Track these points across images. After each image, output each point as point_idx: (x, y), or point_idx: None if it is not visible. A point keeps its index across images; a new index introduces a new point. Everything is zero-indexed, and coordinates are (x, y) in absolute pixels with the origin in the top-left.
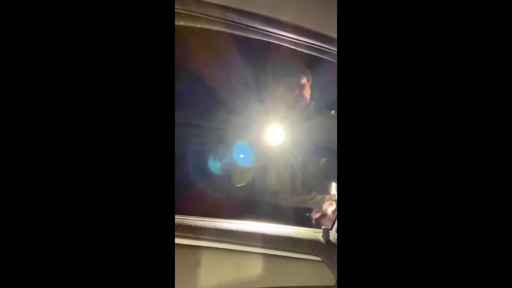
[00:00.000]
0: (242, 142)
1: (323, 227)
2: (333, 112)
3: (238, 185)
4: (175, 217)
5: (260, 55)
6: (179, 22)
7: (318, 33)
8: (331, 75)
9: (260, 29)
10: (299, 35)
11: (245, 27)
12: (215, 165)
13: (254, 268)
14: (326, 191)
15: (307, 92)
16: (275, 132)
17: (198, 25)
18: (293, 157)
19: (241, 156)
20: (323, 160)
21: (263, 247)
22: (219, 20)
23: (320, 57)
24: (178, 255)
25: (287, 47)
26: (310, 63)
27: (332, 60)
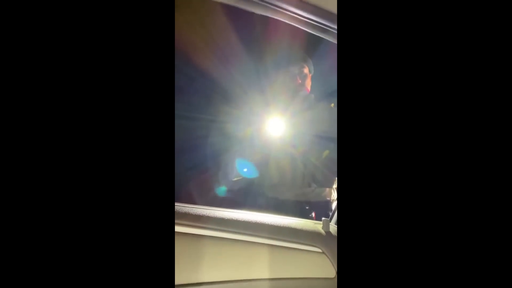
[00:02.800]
0: (241, 159)
1: (323, 218)
2: (332, 105)
3: (234, 179)
4: (176, 205)
5: (260, 43)
6: None
7: (320, 8)
8: (331, 66)
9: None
10: (301, 9)
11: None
12: (221, 191)
13: (254, 258)
14: (328, 183)
15: (308, 83)
16: (276, 123)
17: None
18: (294, 149)
19: (245, 170)
20: (326, 152)
21: (263, 237)
22: None
23: (319, 50)
24: (178, 243)
25: (287, 37)
26: (310, 53)
27: (333, 40)
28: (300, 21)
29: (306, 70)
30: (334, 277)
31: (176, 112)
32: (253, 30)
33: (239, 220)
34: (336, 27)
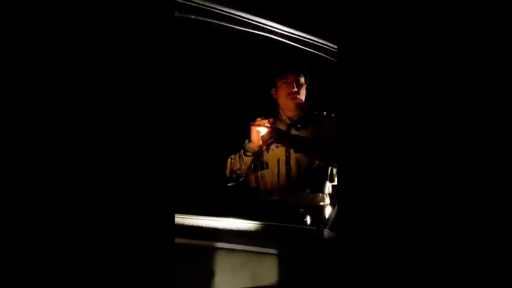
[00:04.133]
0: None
1: (318, 225)
2: (324, 113)
3: (229, 184)
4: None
5: (258, 52)
6: (177, 14)
7: (314, 28)
8: (326, 75)
9: (256, 21)
10: (295, 29)
11: (242, 19)
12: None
13: (249, 266)
14: (322, 188)
15: (303, 93)
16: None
17: (194, 16)
18: (288, 154)
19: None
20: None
21: (257, 245)
22: (218, 11)
23: (315, 57)
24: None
25: (285, 43)
26: (307, 63)
27: (327, 56)
28: (294, 40)
29: (302, 80)
30: (329, 282)
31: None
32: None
33: (232, 229)
34: (330, 44)
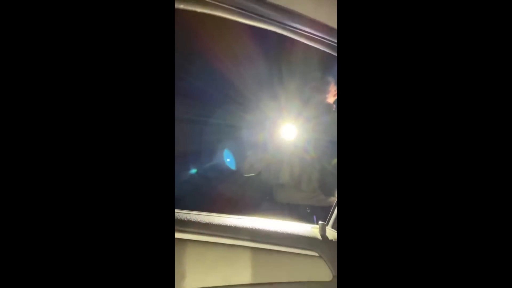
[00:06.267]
0: (228, 151)
1: (320, 222)
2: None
3: (246, 175)
4: (177, 212)
5: (279, 51)
6: (191, 8)
7: (334, 29)
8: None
9: (275, 20)
10: (314, 29)
11: (259, 17)
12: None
13: (251, 263)
14: (333, 188)
15: (332, 94)
16: (288, 128)
17: (213, 13)
18: (305, 154)
19: (228, 160)
20: (334, 160)
21: (260, 242)
22: (233, 8)
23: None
24: (180, 250)
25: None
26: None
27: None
28: (314, 40)
29: (330, 78)
30: (331, 281)
31: (190, 116)
32: (270, 36)
33: (236, 226)
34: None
